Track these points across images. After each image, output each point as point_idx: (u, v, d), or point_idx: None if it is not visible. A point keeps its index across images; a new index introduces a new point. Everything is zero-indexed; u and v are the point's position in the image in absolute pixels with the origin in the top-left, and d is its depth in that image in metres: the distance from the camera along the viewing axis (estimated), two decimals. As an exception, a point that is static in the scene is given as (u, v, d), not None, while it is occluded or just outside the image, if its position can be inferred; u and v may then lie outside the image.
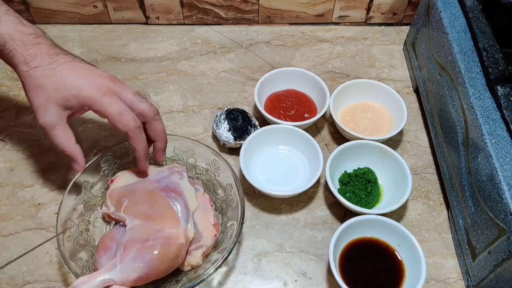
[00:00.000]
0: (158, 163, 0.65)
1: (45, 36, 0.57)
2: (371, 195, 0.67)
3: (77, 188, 0.61)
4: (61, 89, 0.52)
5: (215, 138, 0.76)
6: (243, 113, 0.74)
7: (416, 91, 0.84)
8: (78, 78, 0.53)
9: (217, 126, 0.73)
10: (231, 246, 0.57)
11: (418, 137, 0.78)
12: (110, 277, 0.51)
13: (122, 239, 0.55)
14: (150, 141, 0.60)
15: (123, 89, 0.55)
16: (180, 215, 0.57)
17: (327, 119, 0.80)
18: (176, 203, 0.58)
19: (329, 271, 0.62)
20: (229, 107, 0.75)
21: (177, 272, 0.57)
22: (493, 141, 0.56)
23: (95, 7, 0.90)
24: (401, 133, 0.77)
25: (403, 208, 0.69)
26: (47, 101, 0.53)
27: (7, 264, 0.57)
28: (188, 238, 0.57)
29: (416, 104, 0.83)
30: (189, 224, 0.58)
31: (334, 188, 0.65)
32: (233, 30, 0.94)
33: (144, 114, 0.56)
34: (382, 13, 0.94)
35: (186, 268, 0.58)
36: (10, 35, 0.54)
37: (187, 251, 0.57)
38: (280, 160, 0.73)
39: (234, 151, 0.74)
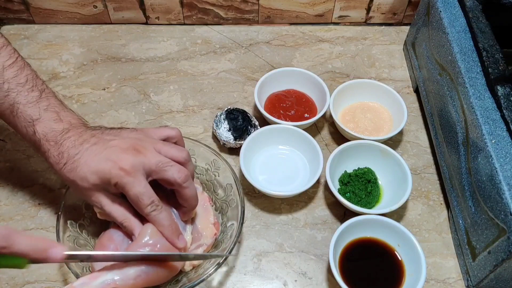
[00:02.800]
0: None
1: (78, 125, 0.56)
2: (371, 195, 0.67)
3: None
4: (87, 177, 0.52)
5: (215, 138, 0.76)
6: (243, 113, 0.74)
7: (416, 91, 0.84)
8: (101, 161, 0.52)
9: (217, 126, 0.73)
10: (231, 246, 0.57)
11: (418, 137, 0.78)
12: (110, 277, 0.51)
13: (124, 240, 0.55)
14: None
15: (147, 159, 0.53)
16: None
17: (327, 119, 0.80)
18: (174, 209, 0.58)
19: (329, 271, 0.62)
20: (229, 107, 0.75)
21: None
22: (493, 141, 0.56)
23: (95, 7, 0.90)
24: (401, 133, 0.77)
25: (403, 208, 0.69)
26: (82, 191, 0.54)
27: None
28: (187, 246, 0.57)
29: (416, 104, 0.83)
30: (185, 232, 0.58)
31: (334, 188, 0.65)
32: (233, 30, 0.94)
33: (170, 183, 0.54)
34: (382, 13, 0.94)
35: (187, 268, 0.58)
36: (46, 136, 0.55)
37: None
38: (280, 160, 0.73)
39: (234, 151, 0.74)
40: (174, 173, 0.53)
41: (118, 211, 0.54)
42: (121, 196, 0.55)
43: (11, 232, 0.43)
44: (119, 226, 0.57)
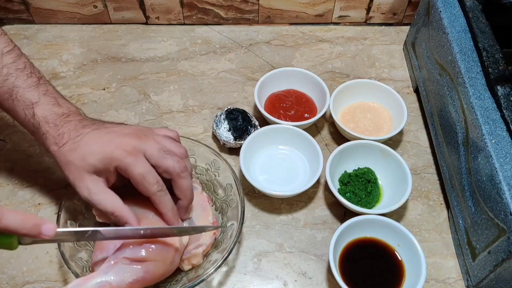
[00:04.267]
0: None
1: (77, 113, 0.57)
2: (371, 195, 0.67)
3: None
4: (87, 157, 0.52)
5: (215, 138, 0.76)
6: (243, 113, 0.74)
7: (416, 91, 0.84)
8: (103, 142, 0.53)
9: (217, 126, 0.73)
10: (231, 246, 0.57)
11: (418, 137, 0.78)
12: (105, 279, 0.51)
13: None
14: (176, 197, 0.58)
15: (148, 145, 0.54)
16: None
17: (327, 119, 0.80)
18: None
19: (329, 271, 0.62)
20: (229, 107, 0.75)
21: (177, 272, 0.57)
22: (493, 141, 0.56)
23: (95, 7, 0.90)
24: (401, 133, 0.77)
25: (403, 208, 0.69)
26: (78, 173, 0.53)
27: None
28: (182, 244, 0.57)
29: (416, 104, 0.83)
30: None
31: (334, 188, 0.65)
32: (233, 30, 0.94)
33: (169, 172, 0.54)
34: (382, 13, 0.94)
35: (187, 267, 0.58)
36: (45, 118, 0.55)
37: (183, 252, 0.57)
38: (280, 160, 0.73)
39: (234, 151, 0.74)
40: (174, 161, 0.54)
41: (107, 200, 0.53)
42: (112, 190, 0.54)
43: None
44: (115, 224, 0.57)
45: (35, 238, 0.46)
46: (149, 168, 0.53)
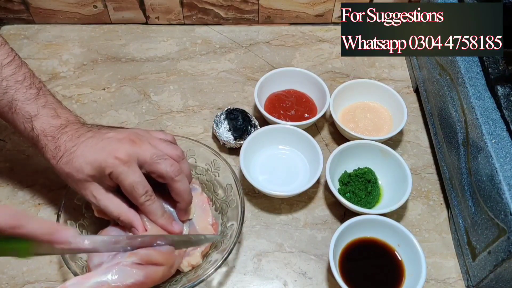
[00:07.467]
0: None
1: (75, 122, 0.57)
2: (371, 195, 0.67)
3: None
4: (82, 167, 0.52)
5: (215, 138, 0.76)
6: (243, 113, 0.74)
7: (416, 91, 0.84)
8: (96, 151, 0.53)
9: (217, 126, 0.73)
10: (231, 246, 0.57)
11: (418, 137, 0.78)
12: (104, 279, 0.50)
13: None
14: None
15: (142, 149, 0.53)
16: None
17: (327, 119, 0.80)
18: (171, 210, 0.58)
19: (329, 271, 0.62)
20: (229, 107, 0.75)
21: (176, 273, 0.57)
22: (493, 141, 0.56)
23: (95, 7, 0.90)
24: (401, 133, 0.77)
25: (403, 208, 0.69)
26: (79, 183, 0.54)
27: None
28: (182, 250, 0.57)
29: (416, 104, 0.83)
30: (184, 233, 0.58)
31: (334, 188, 0.65)
32: (233, 30, 0.94)
33: (162, 176, 0.54)
34: (382, 13, 0.94)
35: (186, 268, 0.57)
36: (44, 131, 0.55)
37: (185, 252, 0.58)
38: (280, 160, 0.73)
39: (234, 151, 0.74)
40: (167, 166, 0.54)
41: (113, 205, 0.54)
42: (117, 191, 0.55)
43: (21, 212, 0.43)
44: (116, 225, 0.57)
45: (53, 246, 0.46)
46: (139, 177, 0.53)
